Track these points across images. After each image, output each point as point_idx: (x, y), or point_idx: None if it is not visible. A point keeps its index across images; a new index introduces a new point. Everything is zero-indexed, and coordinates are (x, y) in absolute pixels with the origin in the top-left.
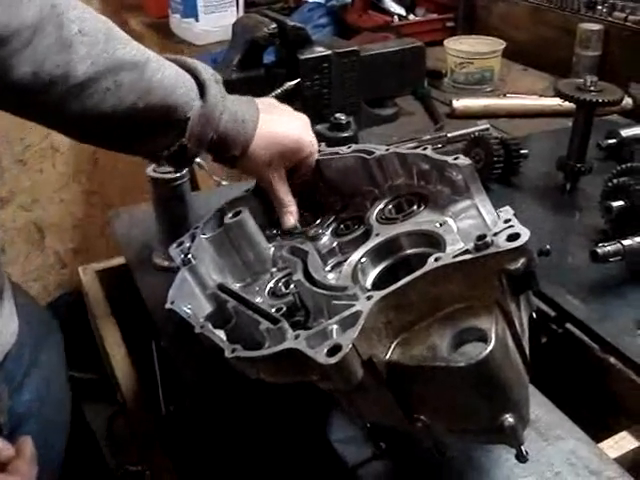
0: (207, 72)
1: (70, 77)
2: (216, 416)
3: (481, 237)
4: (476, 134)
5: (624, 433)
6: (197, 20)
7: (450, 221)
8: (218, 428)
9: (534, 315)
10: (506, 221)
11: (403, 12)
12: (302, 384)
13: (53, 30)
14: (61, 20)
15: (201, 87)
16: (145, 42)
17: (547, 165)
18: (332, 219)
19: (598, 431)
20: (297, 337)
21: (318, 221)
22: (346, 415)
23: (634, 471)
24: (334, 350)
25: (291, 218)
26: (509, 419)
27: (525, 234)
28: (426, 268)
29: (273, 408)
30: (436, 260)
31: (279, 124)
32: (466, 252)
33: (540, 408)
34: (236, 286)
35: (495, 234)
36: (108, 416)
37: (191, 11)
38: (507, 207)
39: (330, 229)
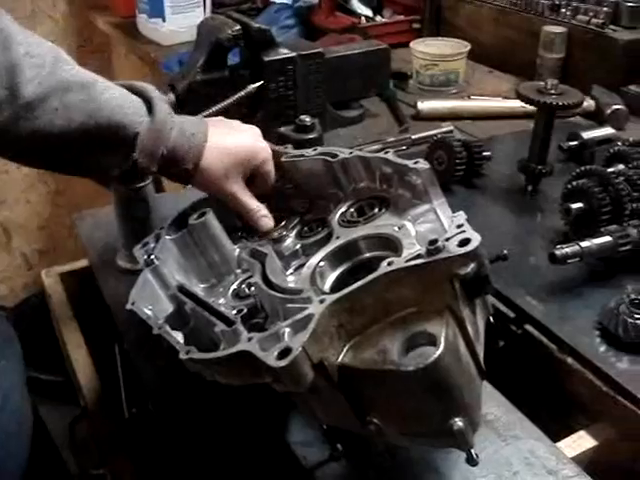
0: (155, 92)
1: (18, 98)
2: (178, 419)
3: (433, 242)
4: (439, 136)
5: (582, 432)
6: (164, 20)
7: (409, 225)
8: (179, 431)
9: (491, 319)
10: (458, 226)
11: (370, 13)
12: (261, 387)
13: (0, 53)
14: (8, 43)
15: (149, 105)
16: (112, 42)
17: (510, 167)
18: (296, 221)
19: (557, 430)
20: (250, 339)
21: (283, 223)
22: (303, 417)
23: (591, 469)
24: (284, 353)
25: (267, 220)
26: (458, 423)
27: (476, 239)
28: (378, 272)
29: (233, 411)
30: (389, 264)
31: (229, 136)
32: (418, 257)
33: (499, 408)
34: (200, 287)
35: (447, 239)
36: (71, 419)
37: (158, 11)
38: (461, 212)
39: (294, 231)
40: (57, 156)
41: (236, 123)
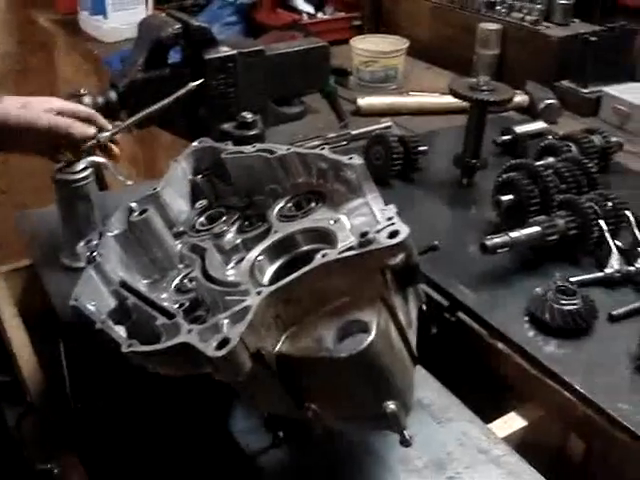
0: None
1: None
2: (122, 412)
3: (364, 234)
4: (377, 132)
5: (512, 414)
6: (106, 17)
7: (344, 218)
8: (124, 424)
9: (424, 307)
10: (389, 219)
11: (312, 10)
12: (204, 378)
13: None
14: None
15: None
16: (53, 39)
17: (446, 161)
18: (237, 216)
19: (490, 412)
20: (190, 331)
21: (224, 218)
22: (245, 405)
23: (522, 448)
24: (222, 343)
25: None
26: (391, 406)
27: (404, 231)
28: (313, 264)
29: (176, 403)
30: (323, 256)
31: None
32: (351, 249)
33: (434, 392)
34: (143, 283)
35: (378, 231)
36: (17, 415)
37: (99, 8)
38: (391, 205)
39: (235, 226)
40: None
41: None
